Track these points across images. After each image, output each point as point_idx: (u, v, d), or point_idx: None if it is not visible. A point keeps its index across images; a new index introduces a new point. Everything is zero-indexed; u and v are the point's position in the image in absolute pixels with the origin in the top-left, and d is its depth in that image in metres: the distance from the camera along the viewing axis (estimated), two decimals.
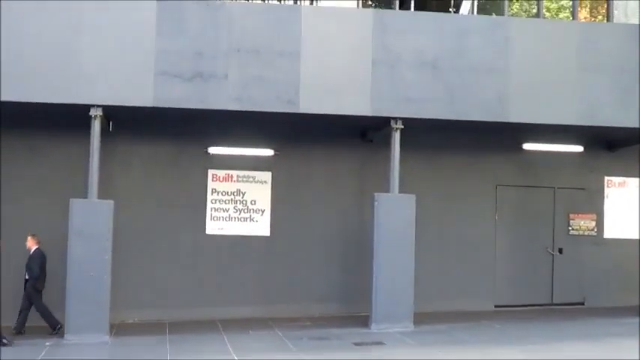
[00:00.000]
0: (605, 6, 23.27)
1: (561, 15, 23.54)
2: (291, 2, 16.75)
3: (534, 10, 23.56)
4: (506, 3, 22.46)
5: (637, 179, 17.37)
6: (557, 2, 23.99)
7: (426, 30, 14.61)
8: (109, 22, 13.52)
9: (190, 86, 13.66)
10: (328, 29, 14.30)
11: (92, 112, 13.34)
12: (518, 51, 14.81)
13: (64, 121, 14.23)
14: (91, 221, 12.99)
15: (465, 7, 18.94)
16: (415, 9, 18.67)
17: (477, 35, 14.77)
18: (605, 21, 22.59)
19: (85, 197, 13.21)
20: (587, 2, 23.63)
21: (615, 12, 22.71)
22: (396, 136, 14.21)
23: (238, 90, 13.74)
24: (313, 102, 13.88)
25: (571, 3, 23.66)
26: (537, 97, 14.66)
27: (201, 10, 14.06)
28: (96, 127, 13.36)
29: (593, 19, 23.32)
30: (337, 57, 14.19)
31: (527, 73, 14.70)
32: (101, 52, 13.39)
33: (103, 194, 13.46)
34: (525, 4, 23.79)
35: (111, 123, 14.70)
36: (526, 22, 16.73)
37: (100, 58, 13.39)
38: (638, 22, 18.46)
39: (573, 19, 19.46)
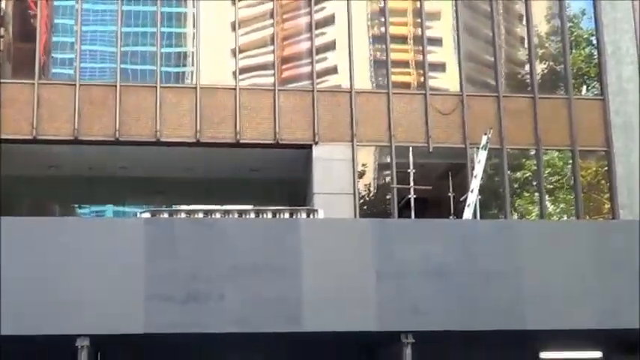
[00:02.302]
0: (610, 204, 23.65)
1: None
2: (287, 216, 16.80)
3: (534, 212, 23.94)
4: (509, 205, 22.89)
5: None
6: (555, 204, 24.32)
7: (430, 237, 14.49)
8: (94, 245, 13.38)
9: (184, 310, 13.32)
10: (328, 242, 14.17)
11: (78, 342, 12.91)
12: (529, 254, 14.62)
13: (47, 353, 13.75)
14: None
15: (467, 214, 19.10)
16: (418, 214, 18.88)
17: (484, 240, 14.66)
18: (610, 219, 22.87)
19: None
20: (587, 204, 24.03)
21: (621, 211, 23.03)
22: (408, 353, 13.75)
23: (236, 311, 13.40)
24: (317, 320, 13.52)
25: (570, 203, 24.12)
26: (553, 301, 14.35)
27: (193, 228, 13.99)
28: (83, 359, 12.90)
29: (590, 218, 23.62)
30: (340, 270, 13.95)
31: (540, 276, 14.44)
32: (86, 277, 13.15)
33: None
34: (524, 206, 24.11)
35: (99, 354, 14.23)
36: (533, 224, 16.80)
37: (85, 284, 13.11)
38: None
39: (578, 218, 19.66)
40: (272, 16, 23.53)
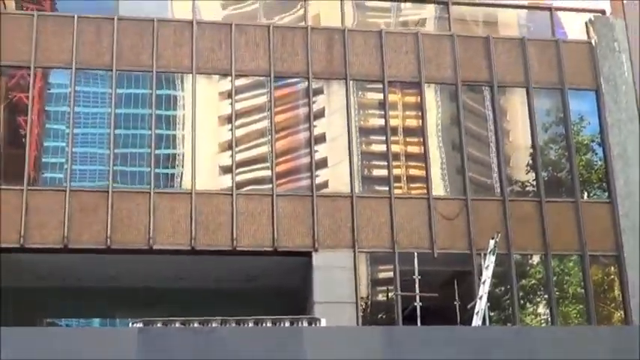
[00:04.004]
0: (623, 312, 23.06)
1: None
2: (288, 323, 16.24)
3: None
4: (517, 312, 22.27)
5: None
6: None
7: (442, 344, 13.91)
8: (85, 355, 12.79)
9: None
10: (333, 350, 13.58)
11: None
12: None
13: None
14: None
15: (476, 322, 18.51)
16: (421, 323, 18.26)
17: (499, 348, 14.08)
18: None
19: None
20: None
21: (634, 319, 22.43)
22: None
23: None
24: None
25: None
26: None
27: (189, 337, 13.43)
28: None
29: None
30: None
31: None
32: None
33: None
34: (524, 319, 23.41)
35: None
36: (550, 330, 16.26)
37: None
38: None
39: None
40: (269, 131, 23.29)
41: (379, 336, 13.87)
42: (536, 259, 23.92)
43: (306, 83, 23.70)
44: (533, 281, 24.03)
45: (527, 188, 24.50)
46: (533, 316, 23.88)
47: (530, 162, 24.52)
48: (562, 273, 23.82)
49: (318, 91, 24.05)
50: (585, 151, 25.32)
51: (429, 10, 26.07)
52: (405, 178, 23.85)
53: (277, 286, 23.75)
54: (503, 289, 23.29)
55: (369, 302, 22.76)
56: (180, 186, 22.76)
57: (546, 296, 23.64)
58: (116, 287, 24.27)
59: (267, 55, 23.80)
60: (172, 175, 23.13)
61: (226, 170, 22.98)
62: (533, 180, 24.33)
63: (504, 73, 24.85)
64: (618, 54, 25.61)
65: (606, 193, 24.42)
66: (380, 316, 22.78)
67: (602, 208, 23.97)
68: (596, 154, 25.19)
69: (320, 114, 23.95)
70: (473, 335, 14.43)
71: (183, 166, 22.99)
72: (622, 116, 24.85)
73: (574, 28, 26.37)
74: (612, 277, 23.96)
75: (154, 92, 23.07)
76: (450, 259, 22.80)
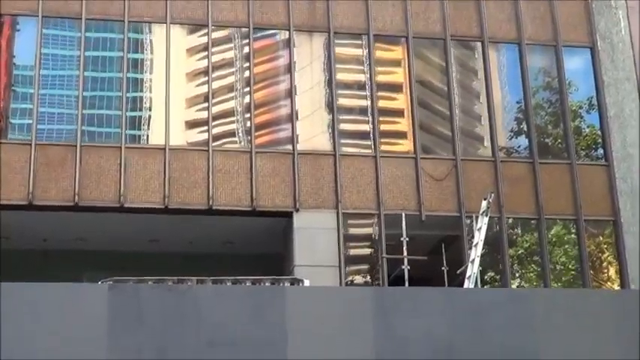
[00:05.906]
0: (619, 280, 22.56)
1: None
2: (269, 284, 15.57)
3: None
4: (509, 277, 21.70)
5: None
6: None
7: (435, 309, 13.36)
8: (51, 313, 12.08)
9: None
10: (319, 313, 12.96)
11: None
12: (547, 331, 13.55)
13: None
14: None
15: (467, 285, 17.93)
16: None
17: (497, 312, 13.52)
18: None
19: None
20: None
21: (632, 286, 21.91)
22: None
23: None
24: None
25: None
26: None
27: (163, 296, 12.79)
28: None
29: None
30: (331, 345, 12.72)
31: (560, 350, 13.32)
32: (40, 350, 11.82)
33: None
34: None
35: None
36: (551, 292, 15.71)
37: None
38: None
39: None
40: (247, 85, 22.55)
41: (369, 298, 13.24)
42: (524, 227, 23.36)
43: (286, 35, 22.98)
44: (520, 251, 23.43)
45: (519, 150, 23.88)
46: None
47: (523, 122, 23.89)
48: (550, 242, 23.22)
49: (299, 44, 23.29)
50: (574, 117, 24.67)
51: None
52: (390, 137, 23.17)
53: (256, 249, 23.04)
54: (490, 258, 22.62)
55: (353, 266, 22.12)
56: (153, 141, 21.93)
57: (529, 269, 23.13)
58: (84, 250, 23.55)
59: (245, 5, 22.98)
60: (144, 129, 22.29)
61: (201, 125, 22.22)
62: (525, 143, 23.77)
63: (495, 28, 24.17)
64: (615, 10, 24.97)
65: (596, 159, 23.85)
66: (364, 280, 22.17)
67: (598, 170, 23.47)
68: (584, 119, 24.58)
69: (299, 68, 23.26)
70: (469, 299, 13.82)
71: (155, 121, 22.17)
72: (619, 75, 24.23)
73: None
74: (605, 246, 23.45)
75: (125, 37, 22.26)
76: (438, 223, 22.18)
